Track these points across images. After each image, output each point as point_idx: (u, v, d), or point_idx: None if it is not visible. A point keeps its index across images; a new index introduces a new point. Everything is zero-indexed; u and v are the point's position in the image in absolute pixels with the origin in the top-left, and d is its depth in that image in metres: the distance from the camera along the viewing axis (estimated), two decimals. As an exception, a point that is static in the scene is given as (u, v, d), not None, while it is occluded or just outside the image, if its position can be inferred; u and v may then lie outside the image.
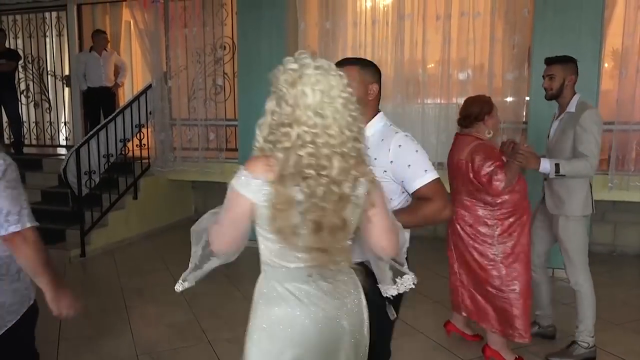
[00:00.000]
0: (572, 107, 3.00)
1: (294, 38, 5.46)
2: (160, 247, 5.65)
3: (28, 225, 1.79)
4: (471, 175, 2.81)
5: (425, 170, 1.85)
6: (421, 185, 1.85)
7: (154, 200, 6.13)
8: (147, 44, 6.16)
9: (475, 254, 2.95)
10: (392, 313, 1.88)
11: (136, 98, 6.17)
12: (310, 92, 1.35)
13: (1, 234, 1.76)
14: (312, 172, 1.35)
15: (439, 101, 5.23)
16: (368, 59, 2.06)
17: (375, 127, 1.94)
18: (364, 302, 1.61)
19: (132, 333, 3.57)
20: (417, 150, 1.87)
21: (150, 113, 6.23)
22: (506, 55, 4.96)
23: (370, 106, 1.92)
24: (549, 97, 3.09)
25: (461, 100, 5.51)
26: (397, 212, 1.78)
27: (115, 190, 5.66)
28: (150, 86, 6.22)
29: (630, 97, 4.67)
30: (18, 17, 7.48)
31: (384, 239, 1.53)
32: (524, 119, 4.99)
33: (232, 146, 6.23)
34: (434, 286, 3.96)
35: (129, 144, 6.03)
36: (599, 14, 4.38)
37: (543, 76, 3.08)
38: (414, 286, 1.68)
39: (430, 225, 1.81)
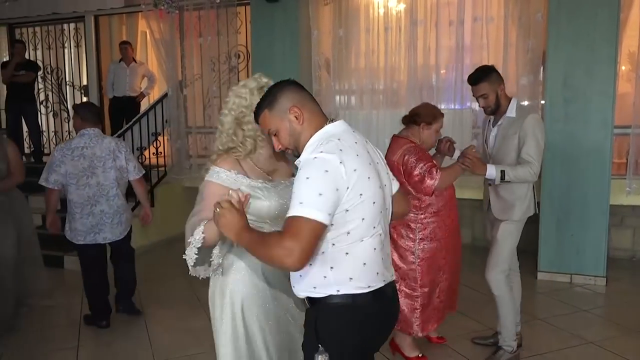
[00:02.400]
0: (511, 112, 2.97)
1: (307, 46, 5.51)
2: (177, 254, 5.56)
3: (143, 171, 3.84)
4: (402, 178, 2.81)
5: (300, 203, 1.49)
6: (287, 215, 1.52)
7: (170, 207, 6.18)
8: (163, 54, 6.26)
9: (395, 255, 2.98)
10: None
11: (152, 107, 6.27)
12: None
13: (136, 178, 3.76)
14: None
15: (452, 106, 5.22)
16: (285, 80, 1.73)
17: (307, 150, 1.62)
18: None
19: (150, 339, 3.61)
20: (308, 177, 1.51)
21: (166, 121, 6.33)
22: (520, 60, 4.93)
23: (307, 129, 1.65)
24: (490, 113, 3.07)
25: (475, 105, 5.47)
26: (257, 236, 1.59)
27: (132, 198, 5.72)
28: (166, 95, 6.32)
29: (647, 100, 4.61)
30: (37, 29, 7.63)
31: None
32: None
33: (246, 153, 6.27)
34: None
35: (146, 152, 6.11)
36: (614, 17, 4.32)
37: (475, 97, 3.04)
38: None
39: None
